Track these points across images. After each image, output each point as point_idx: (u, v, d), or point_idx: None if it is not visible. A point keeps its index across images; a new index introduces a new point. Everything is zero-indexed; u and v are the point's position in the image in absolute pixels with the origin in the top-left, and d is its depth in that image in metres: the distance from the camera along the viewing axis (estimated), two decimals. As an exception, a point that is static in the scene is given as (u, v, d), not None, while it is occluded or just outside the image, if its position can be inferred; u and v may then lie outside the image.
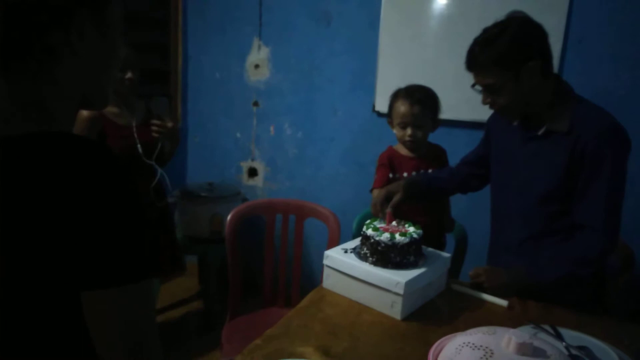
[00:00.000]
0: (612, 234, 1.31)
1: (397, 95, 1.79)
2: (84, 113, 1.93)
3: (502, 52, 1.29)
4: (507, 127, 1.49)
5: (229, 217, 1.94)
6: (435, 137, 1.86)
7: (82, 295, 0.60)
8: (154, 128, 2.00)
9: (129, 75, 1.98)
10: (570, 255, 1.33)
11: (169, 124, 2.03)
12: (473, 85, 1.40)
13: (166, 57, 3.09)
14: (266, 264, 2.08)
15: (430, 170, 1.80)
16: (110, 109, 2.02)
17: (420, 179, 1.69)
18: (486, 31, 1.34)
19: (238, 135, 3.12)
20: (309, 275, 2.73)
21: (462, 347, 0.82)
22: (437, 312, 1.30)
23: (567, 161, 1.31)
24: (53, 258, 0.57)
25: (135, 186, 0.62)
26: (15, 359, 0.61)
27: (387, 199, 1.54)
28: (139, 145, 2.03)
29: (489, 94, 1.37)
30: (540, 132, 1.37)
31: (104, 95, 0.74)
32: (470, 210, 1.76)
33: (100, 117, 1.96)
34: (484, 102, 1.40)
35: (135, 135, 2.03)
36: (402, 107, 1.75)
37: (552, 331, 1.18)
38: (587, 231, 1.31)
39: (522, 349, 0.78)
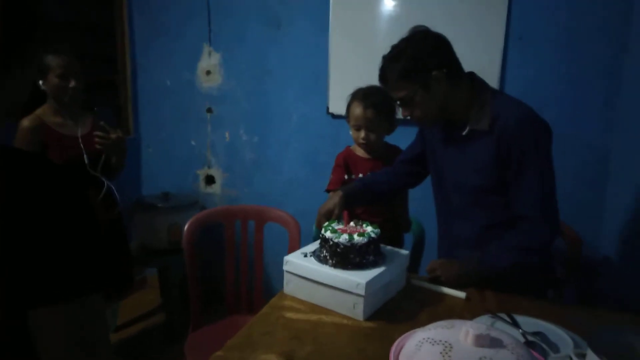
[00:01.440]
0: (551, 222, 1.37)
1: (354, 96, 1.80)
2: (25, 123, 1.85)
3: (407, 66, 1.35)
4: (435, 127, 1.54)
5: (186, 227, 1.91)
6: (393, 135, 1.88)
7: (27, 314, 0.57)
8: (97, 140, 1.94)
9: (72, 84, 1.91)
10: (517, 244, 1.38)
11: (113, 135, 1.96)
12: (395, 101, 1.45)
13: (114, 67, 3.00)
14: (227, 272, 2.05)
15: (368, 175, 1.81)
16: (54, 119, 1.94)
17: (358, 187, 1.69)
18: (393, 48, 1.40)
19: (193, 142, 3.06)
20: (272, 281, 2.72)
21: (422, 343, 0.83)
22: (398, 310, 1.31)
23: (494, 158, 1.37)
24: None
25: (76, 199, 0.60)
26: None
27: (327, 217, 1.55)
28: (85, 156, 1.96)
29: (405, 107, 1.42)
30: (464, 133, 1.42)
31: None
32: (427, 206, 1.79)
33: (42, 127, 1.88)
34: (403, 115, 1.46)
35: (82, 145, 1.96)
36: (356, 110, 1.75)
37: (508, 319, 1.21)
38: (527, 222, 1.37)
39: (479, 340, 0.80)
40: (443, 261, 1.48)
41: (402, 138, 1.93)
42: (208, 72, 2.92)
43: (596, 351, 0.88)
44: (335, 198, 1.58)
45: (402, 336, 0.92)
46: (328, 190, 1.82)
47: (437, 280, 1.44)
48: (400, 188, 1.80)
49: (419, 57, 1.35)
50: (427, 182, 1.74)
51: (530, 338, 1.12)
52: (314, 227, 2.04)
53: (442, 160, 1.55)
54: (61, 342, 0.59)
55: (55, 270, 0.57)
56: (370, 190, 1.69)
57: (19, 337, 0.58)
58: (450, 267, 1.44)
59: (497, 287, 1.43)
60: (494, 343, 0.81)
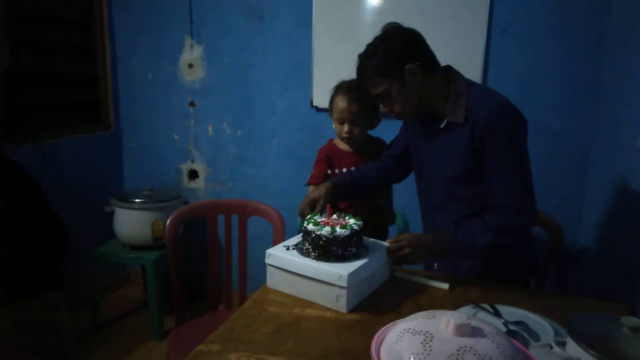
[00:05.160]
0: (528, 209, 1.37)
1: (338, 89, 1.76)
2: None
3: (380, 62, 1.38)
4: (417, 122, 1.56)
5: (168, 222, 1.88)
6: (377, 129, 1.86)
7: None
8: None
9: None
10: (495, 226, 1.36)
11: None
12: (374, 98, 1.47)
13: (93, 60, 2.94)
14: (211, 267, 2.03)
15: (356, 168, 1.78)
16: None
17: (346, 179, 1.69)
18: (368, 46, 1.44)
19: (175, 137, 3.03)
20: (256, 276, 2.69)
21: (404, 333, 0.82)
22: (382, 302, 1.31)
23: (469, 149, 1.37)
24: None
25: (28, 201, 0.58)
26: None
27: (312, 206, 1.54)
28: None
29: (384, 102, 1.46)
30: (442, 126, 1.43)
31: None
32: (410, 199, 1.79)
33: None
34: (384, 111, 1.49)
35: None
36: (340, 103, 1.71)
37: (491, 309, 1.22)
38: (504, 209, 1.36)
39: (460, 329, 0.80)
40: (411, 237, 1.42)
41: (386, 131, 1.92)
42: (190, 65, 2.88)
43: (575, 339, 0.89)
44: (321, 189, 1.57)
45: (384, 327, 0.91)
46: (309, 184, 1.80)
47: (403, 260, 1.41)
48: (387, 182, 1.80)
49: (392, 52, 1.38)
50: (411, 175, 1.74)
51: (511, 327, 1.12)
52: (298, 221, 2.03)
53: (423, 153, 1.56)
54: (12, 343, 0.57)
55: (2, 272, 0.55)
56: (358, 184, 1.69)
57: None
58: (420, 245, 1.41)
59: (481, 278, 1.44)
60: (475, 332, 0.81)
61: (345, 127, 1.73)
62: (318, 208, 1.51)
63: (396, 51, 1.38)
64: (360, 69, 1.45)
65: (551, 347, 0.95)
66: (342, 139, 1.79)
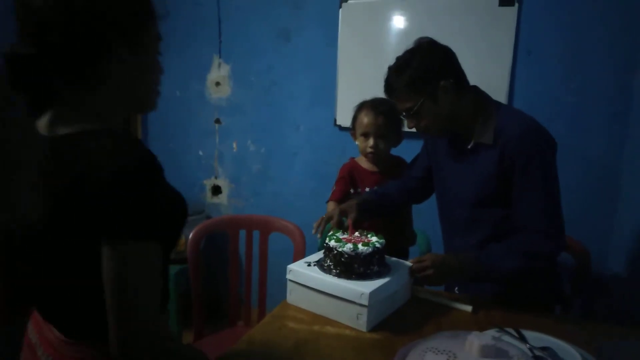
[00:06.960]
0: (556, 235, 1.34)
1: (361, 107, 1.79)
2: None
3: (413, 76, 1.34)
4: (440, 141, 1.54)
5: (190, 236, 1.90)
6: (398, 149, 1.87)
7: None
8: None
9: None
10: (522, 249, 1.33)
11: None
12: (400, 113, 1.45)
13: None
14: (231, 281, 2.03)
15: (379, 187, 1.78)
16: None
17: (372, 197, 1.68)
18: (399, 59, 1.40)
19: (200, 153, 3.08)
20: (276, 292, 2.68)
21: (426, 352, 0.81)
22: (403, 322, 1.29)
23: (497, 171, 1.35)
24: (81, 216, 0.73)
25: (151, 169, 0.81)
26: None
27: (341, 216, 1.53)
28: None
29: (412, 117, 1.41)
30: (469, 146, 1.41)
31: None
32: (433, 219, 1.77)
33: None
34: (409, 127, 1.46)
35: None
36: (365, 118, 1.74)
37: (515, 334, 1.19)
38: (532, 233, 1.33)
39: (485, 351, 0.78)
40: (434, 258, 1.37)
41: (407, 151, 1.92)
42: (217, 84, 2.94)
43: (605, 366, 0.86)
44: (350, 204, 1.56)
45: (405, 346, 0.90)
46: (330, 201, 1.80)
47: (426, 280, 1.37)
48: (408, 203, 1.79)
49: (426, 67, 1.35)
50: (432, 196, 1.72)
51: (537, 353, 1.09)
52: (318, 238, 2.03)
53: (447, 174, 1.53)
54: (107, 283, 0.71)
55: (114, 213, 0.72)
56: (383, 203, 1.67)
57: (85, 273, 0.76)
58: (443, 266, 1.36)
59: (504, 302, 1.40)
60: (500, 354, 0.79)
61: (371, 141, 1.74)
62: (351, 218, 1.48)
63: (430, 66, 1.34)
64: (389, 82, 1.40)
65: (579, 374, 0.91)
66: (366, 154, 1.80)
